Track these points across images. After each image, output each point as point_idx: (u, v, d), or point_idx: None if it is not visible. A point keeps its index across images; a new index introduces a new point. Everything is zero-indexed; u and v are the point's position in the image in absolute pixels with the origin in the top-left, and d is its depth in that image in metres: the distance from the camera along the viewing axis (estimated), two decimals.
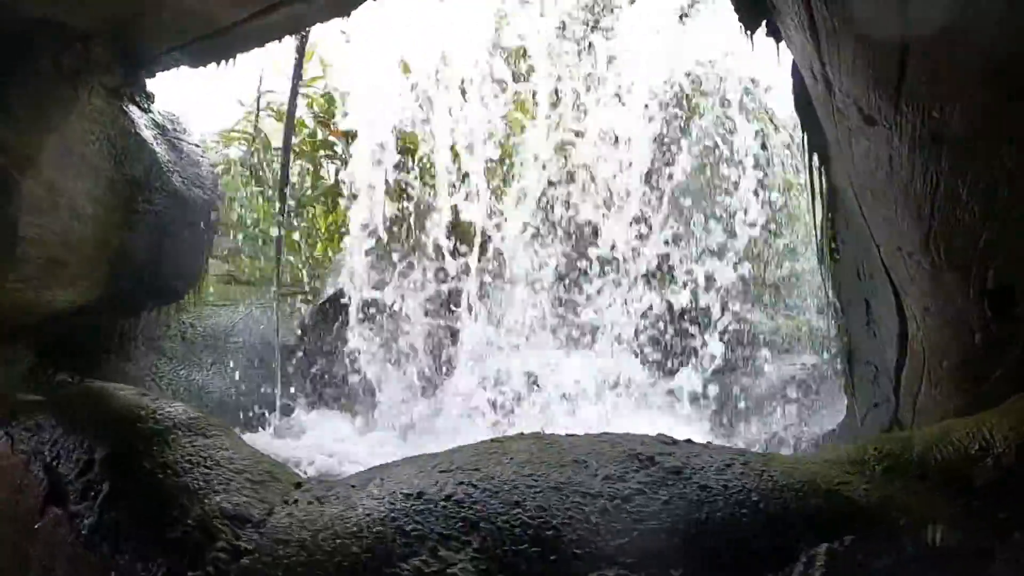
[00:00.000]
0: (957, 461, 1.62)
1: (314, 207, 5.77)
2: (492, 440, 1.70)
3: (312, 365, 4.21)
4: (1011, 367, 1.82)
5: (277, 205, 4.11)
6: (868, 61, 1.69)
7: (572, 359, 4.06)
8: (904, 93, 1.67)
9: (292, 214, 5.36)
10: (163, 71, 3.54)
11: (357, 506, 1.41)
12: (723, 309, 4.07)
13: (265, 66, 5.46)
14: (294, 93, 3.72)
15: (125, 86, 3.34)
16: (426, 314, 4.17)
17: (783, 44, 2.34)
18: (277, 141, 5.58)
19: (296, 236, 5.42)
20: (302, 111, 5.64)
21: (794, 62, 2.37)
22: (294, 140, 5.60)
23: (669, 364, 4.09)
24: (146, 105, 3.45)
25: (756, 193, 4.27)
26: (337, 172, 5.73)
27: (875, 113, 1.76)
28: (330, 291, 4.63)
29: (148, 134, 3.36)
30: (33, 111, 2.99)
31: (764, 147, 4.38)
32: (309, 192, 5.34)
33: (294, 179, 5.60)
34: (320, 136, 5.58)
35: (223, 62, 3.53)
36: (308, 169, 5.61)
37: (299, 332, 4.42)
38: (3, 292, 3.10)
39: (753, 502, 1.43)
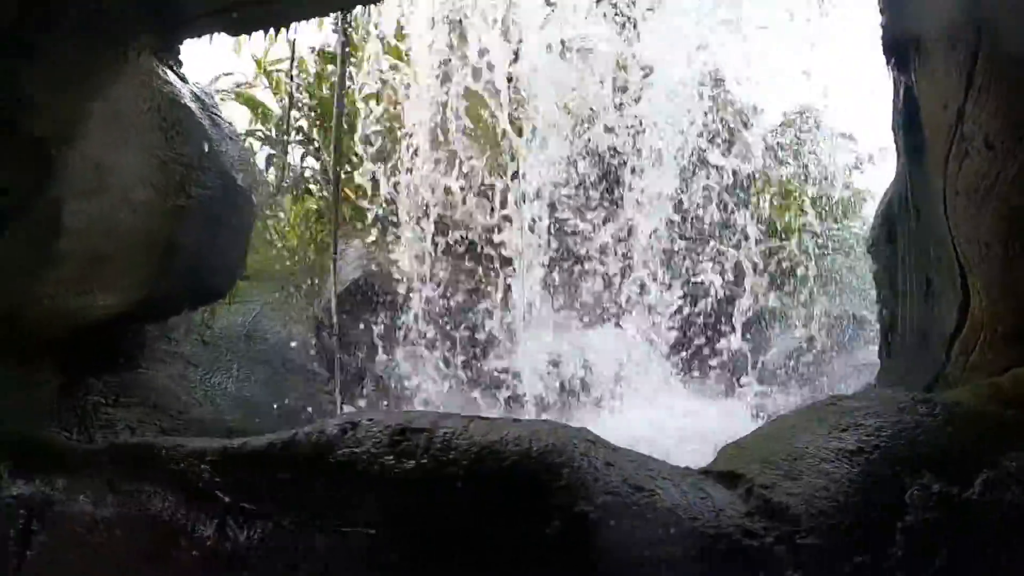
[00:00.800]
0: None
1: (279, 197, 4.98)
2: (804, 411, 1.87)
3: (351, 361, 3.62)
4: None
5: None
6: (1012, 109, 2.04)
7: None
8: None
9: (268, 204, 4.57)
10: (195, 38, 2.78)
11: (799, 476, 1.42)
12: None
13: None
14: (343, 64, 3.10)
15: (162, 50, 2.58)
16: None
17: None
18: (240, 126, 4.72)
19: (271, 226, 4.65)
20: (267, 95, 4.86)
21: (907, 86, 2.61)
22: (260, 128, 4.81)
23: None
24: (183, 74, 2.69)
25: None
26: (303, 158, 5.00)
27: (997, 142, 2.07)
28: (345, 280, 4.00)
29: (195, 107, 2.62)
30: (76, 69, 2.19)
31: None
32: (284, 182, 4.60)
33: (262, 168, 4.80)
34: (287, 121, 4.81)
35: (270, 31, 2.87)
36: (275, 158, 4.83)
37: (319, 326, 3.77)
38: (34, 300, 2.26)
39: (965, 423, 1.76)
